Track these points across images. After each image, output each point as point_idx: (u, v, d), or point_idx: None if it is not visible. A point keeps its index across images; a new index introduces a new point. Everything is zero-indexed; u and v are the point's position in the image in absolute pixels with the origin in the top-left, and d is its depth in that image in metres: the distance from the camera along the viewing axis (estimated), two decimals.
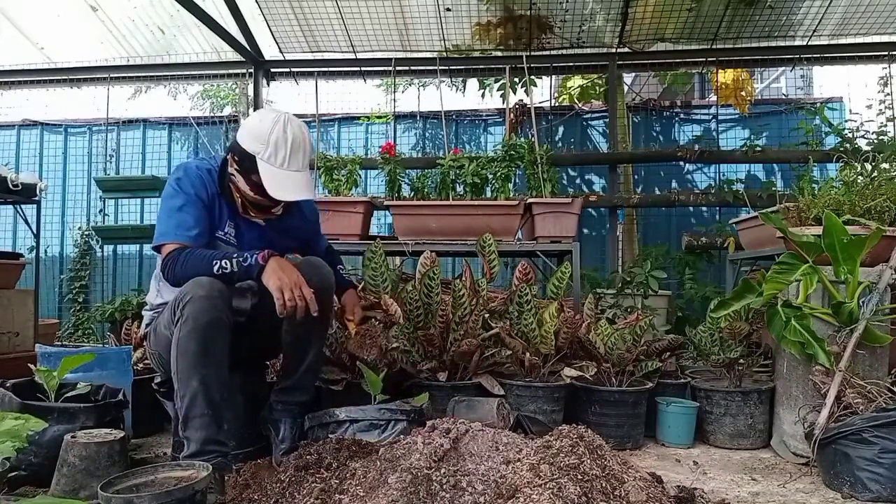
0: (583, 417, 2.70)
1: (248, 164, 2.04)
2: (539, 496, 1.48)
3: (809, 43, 5.47)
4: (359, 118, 6.71)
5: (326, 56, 5.83)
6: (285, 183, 2.02)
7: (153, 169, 6.81)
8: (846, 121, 5.34)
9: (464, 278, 2.97)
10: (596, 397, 2.69)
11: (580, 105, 6.48)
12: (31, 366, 2.30)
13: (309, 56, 5.86)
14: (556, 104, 6.67)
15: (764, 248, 3.54)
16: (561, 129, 6.42)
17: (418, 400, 2.33)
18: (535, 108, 5.62)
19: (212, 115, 7.62)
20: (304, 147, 2.07)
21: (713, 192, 5.50)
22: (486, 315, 2.88)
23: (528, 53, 5.51)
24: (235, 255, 1.97)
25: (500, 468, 1.67)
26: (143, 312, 2.31)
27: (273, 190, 2.01)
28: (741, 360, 2.83)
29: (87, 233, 6.72)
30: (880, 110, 5.15)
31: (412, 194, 3.93)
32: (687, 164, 5.97)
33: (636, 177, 6.08)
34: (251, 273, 1.96)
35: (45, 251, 6.70)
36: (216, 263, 1.94)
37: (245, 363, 2.32)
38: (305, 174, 2.09)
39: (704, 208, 5.97)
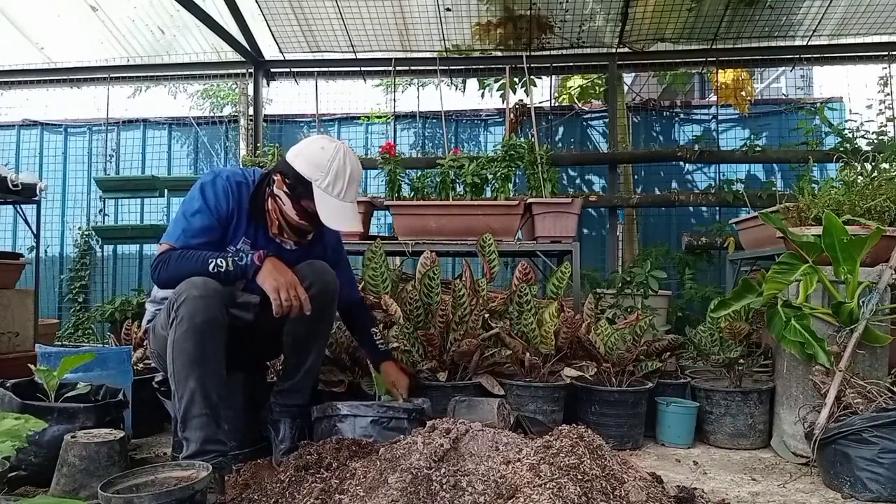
0: (583, 417, 2.70)
1: (301, 188, 2.04)
2: (539, 496, 1.48)
3: (809, 43, 5.47)
4: (359, 118, 6.72)
5: (326, 56, 5.84)
6: (340, 213, 2.04)
7: (153, 169, 6.81)
8: (846, 121, 5.34)
9: (464, 278, 2.98)
10: (596, 397, 2.69)
11: (580, 105, 6.48)
12: (31, 366, 2.30)
13: (309, 56, 5.87)
14: (556, 104, 6.66)
15: (764, 248, 3.54)
16: (561, 129, 6.42)
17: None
18: (535, 108, 5.62)
19: (212, 114, 7.61)
20: (358, 180, 2.11)
21: (713, 192, 5.50)
22: (486, 315, 2.88)
23: (528, 53, 5.51)
24: (231, 255, 1.97)
25: (500, 468, 1.67)
26: (147, 305, 2.29)
27: (327, 218, 2.02)
28: (741, 360, 2.83)
29: (87, 233, 6.73)
30: (880, 110, 5.15)
31: (412, 194, 3.93)
32: (687, 164, 5.97)
33: (636, 177, 6.08)
34: (247, 273, 1.95)
35: (45, 251, 6.70)
36: (211, 262, 1.94)
37: (246, 363, 2.32)
38: (355, 205, 2.12)
39: (704, 208, 5.97)
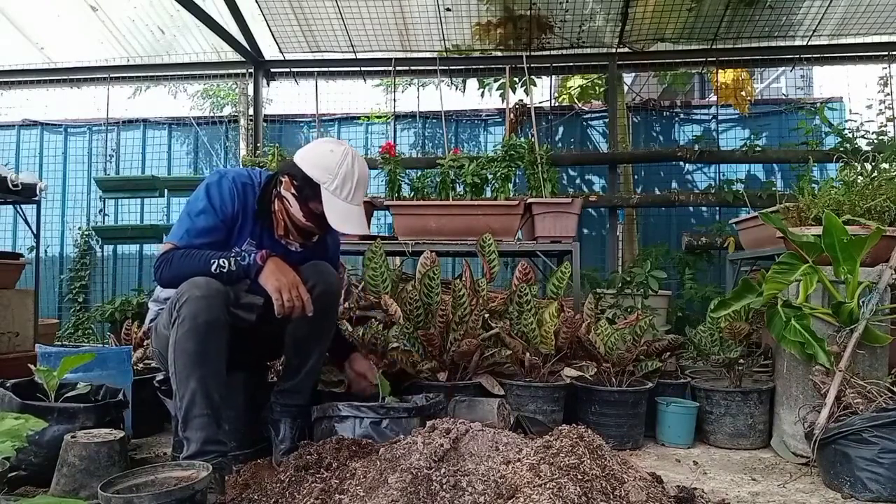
0: (583, 417, 2.70)
1: (308, 191, 2.05)
2: (539, 496, 1.48)
3: (809, 43, 5.47)
4: (359, 118, 6.72)
5: (326, 56, 5.84)
6: (347, 216, 2.05)
7: (153, 169, 6.81)
8: (846, 121, 5.34)
9: (464, 278, 2.98)
10: (596, 397, 2.69)
11: (580, 105, 6.48)
12: (31, 366, 2.30)
13: (309, 56, 5.87)
14: (556, 104, 6.66)
15: (764, 248, 3.54)
16: (561, 129, 6.42)
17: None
18: (535, 108, 5.62)
19: (212, 114, 7.62)
20: (366, 183, 2.13)
21: (713, 192, 5.50)
22: (486, 315, 2.88)
23: (528, 53, 5.51)
24: (234, 255, 1.97)
25: (500, 468, 1.67)
26: (149, 304, 2.30)
27: (335, 221, 2.03)
28: (741, 360, 2.83)
29: (87, 233, 6.73)
30: (880, 110, 5.15)
31: (412, 194, 3.93)
32: (687, 164, 5.97)
33: (636, 177, 6.08)
34: (249, 273, 1.96)
35: (45, 251, 6.70)
36: (214, 262, 1.94)
37: (247, 364, 2.32)
38: (362, 209, 2.13)
39: (704, 208, 5.97)
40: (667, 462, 2.52)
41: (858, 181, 3.02)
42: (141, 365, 2.97)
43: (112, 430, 1.99)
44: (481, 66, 5.86)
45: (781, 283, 2.52)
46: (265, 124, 6.22)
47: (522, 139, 4.04)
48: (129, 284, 6.49)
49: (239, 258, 1.96)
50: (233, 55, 5.79)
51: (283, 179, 2.10)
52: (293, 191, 2.08)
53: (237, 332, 1.99)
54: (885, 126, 4.89)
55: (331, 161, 2.03)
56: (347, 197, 2.04)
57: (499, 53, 5.72)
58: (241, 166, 5.41)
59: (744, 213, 4.70)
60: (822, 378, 2.33)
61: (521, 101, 6.05)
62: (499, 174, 3.76)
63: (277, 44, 5.73)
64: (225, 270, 1.94)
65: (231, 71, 6.05)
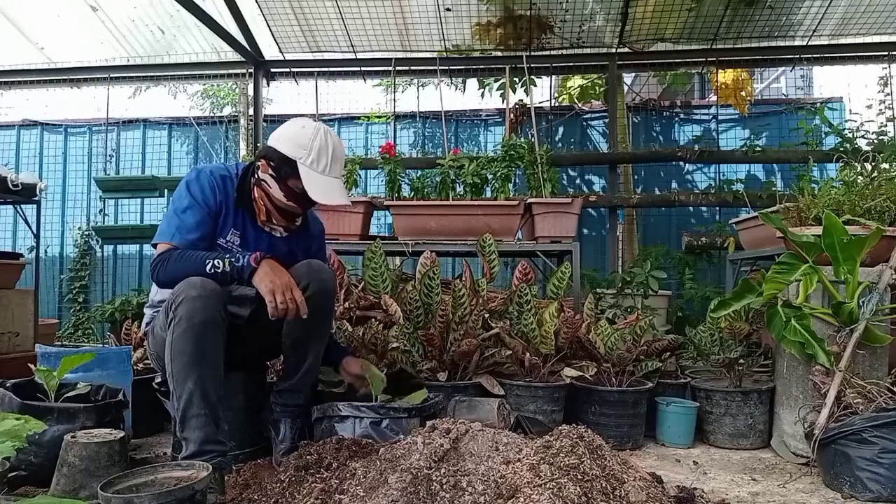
0: (583, 417, 2.70)
1: (286, 169, 2.07)
2: (539, 496, 1.48)
3: (809, 43, 5.47)
4: (359, 118, 6.71)
5: (326, 56, 5.84)
6: (327, 188, 2.08)
7: (153, 169, 6.81)
8: (846, 121, 5.35)
9: (464, 278, 2.98)
10: (596, 397, 2.69)
11: (580, 105, 6.48)
12: (31, 366, 2.30)
13: (309, 56, 5.87)
14: (556, 104, 6.66)
15: (764, 248, 3.54)
16: (561, 129, 6.42)
17: (414, 397, 2.33)
18: (535, 108, 5.62)
19: (212, 114, 7.62)
20: (342, 157, 2.16)
21: (713, 192, 5.50)
22: (486, 315, 2.88)
23: (528, 53, 5.51)
24: (228, 256, 1.97)
25: (500, 468, 1.67)
26: (145, 310, 2.30)
27: (315, 194, 2.06)
28: (741, 360, 2.83)
29: (87, 233, 6.72)
30: (880, 110, 5.15)
31: (412, 194, 3.93)
32: (687, 164, 5.97)
33: (636, 177, 6.08)
34: (243, 274, 1.95)
35: (45, 251, 6.70)
36: (209, 263, 1.94)
37: (245, 364, 2.32)
38: (342, 182, 2.16)
39: (704, 208, 5.97)
40: (667, 462, 2.52)
41: (858, 181, 3.02)
42: (141, 365, 2.97)
43: (112, 430, 1.99)
44: (481, 66, 5.85)
45: (781, 283, 2.52)
46: (265, 124, 6.21)
47: (522, 139, 4.04)
48: (129, 284, 6.49)
49: (233, 259, 1.96)
50: (233, 55, 5.78)
51: (259, 164, 2.13)
52: (271, 172, 2.10)
53: (235, 332, 1.99)
54: (885, 126, 4.89)
55: (303, 136, 2.07)
56: (325, 170, 2.07)
57: (499, 53, 5.72)
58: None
59: (744, 213, 4.70)
60: (822, 378, 2.33)
61: (521, 101, 6.05)
62: (499, 174, 3.76)
63: (277, 44, 5.73)
64: (220, 271, 1.94)
65: (231, 71, 6.05)
